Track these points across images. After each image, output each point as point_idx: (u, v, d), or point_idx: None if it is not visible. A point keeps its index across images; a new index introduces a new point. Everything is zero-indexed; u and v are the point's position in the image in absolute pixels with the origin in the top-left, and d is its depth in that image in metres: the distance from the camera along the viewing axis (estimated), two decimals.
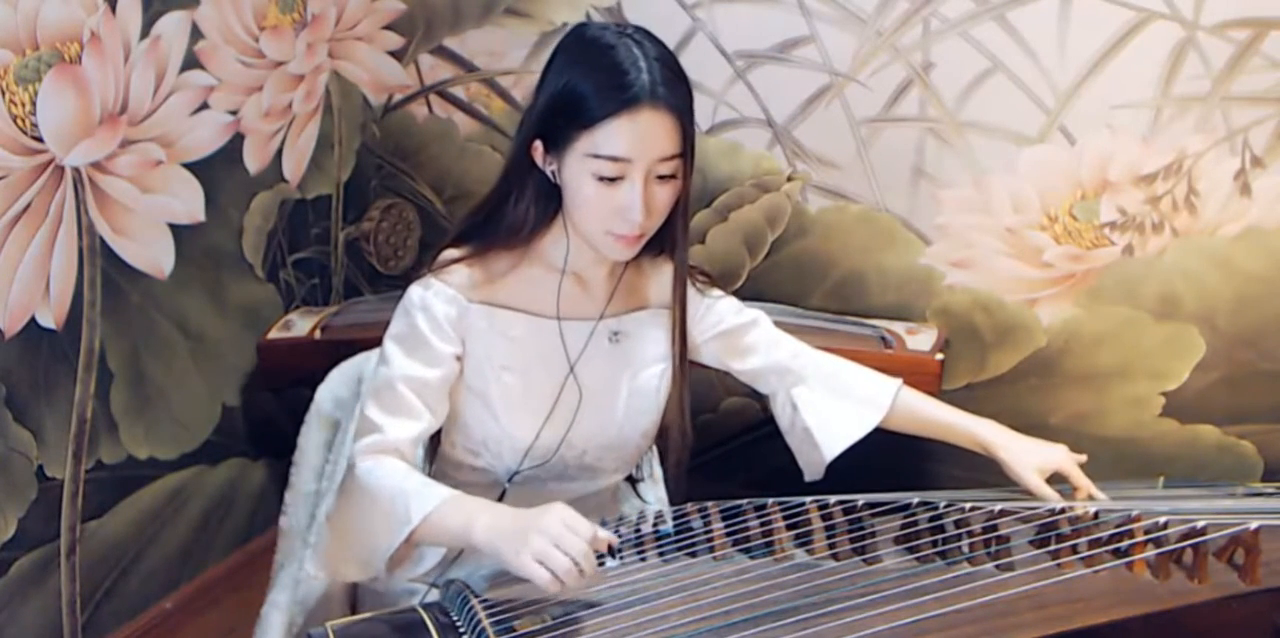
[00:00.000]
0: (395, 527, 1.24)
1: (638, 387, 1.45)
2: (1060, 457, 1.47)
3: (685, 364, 1.47)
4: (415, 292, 1.37)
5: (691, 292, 1.49)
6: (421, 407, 1.35)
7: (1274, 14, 2.06)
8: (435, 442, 1.47)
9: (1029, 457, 1.45)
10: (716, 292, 1.54)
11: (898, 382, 1.56)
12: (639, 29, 1.31)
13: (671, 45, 2.42)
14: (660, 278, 1.48)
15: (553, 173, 1.32)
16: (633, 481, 1.61)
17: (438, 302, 1.35)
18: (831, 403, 1.53)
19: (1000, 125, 2.26)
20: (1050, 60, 2.19)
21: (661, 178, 1.28)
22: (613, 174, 1.26)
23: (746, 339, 1.54)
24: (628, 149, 1.25)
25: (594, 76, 1.26)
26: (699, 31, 2.39)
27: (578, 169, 1.28)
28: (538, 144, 1.32)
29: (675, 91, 1.27)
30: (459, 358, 1.38)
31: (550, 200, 1.35)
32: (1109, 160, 2.22)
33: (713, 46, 2.38)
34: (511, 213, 1.36)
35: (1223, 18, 2.08)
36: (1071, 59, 2.18)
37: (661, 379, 1.47)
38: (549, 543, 1.11)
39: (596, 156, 1.25)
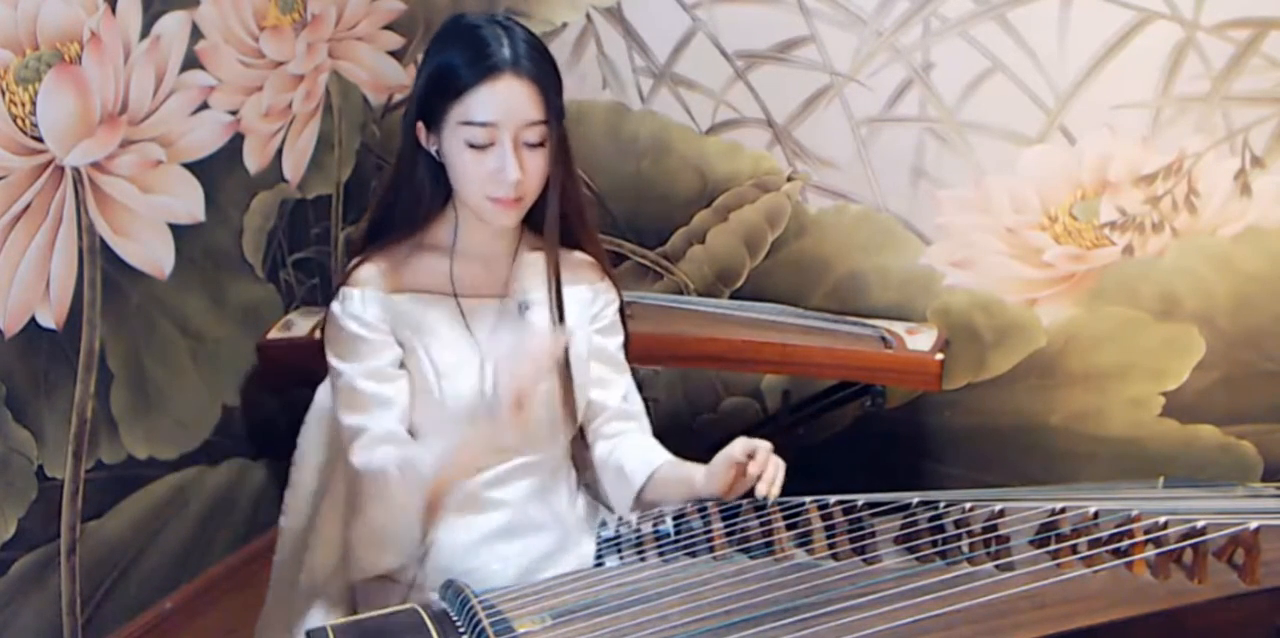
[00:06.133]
0: (416, 489, 1.36)
1: (550, 351, 1.47)
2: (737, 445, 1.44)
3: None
4: (335, 308, 1.45)
5: (609, 290, 1.57)
6: (389, 392, 1.43)
7: (1274, 14, 2.06)
8: None
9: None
10: (619, 322, 1.58)
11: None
12: (510, 18, 1.43)
13: (671, 45, 2.48)
14: (571, 264, 1.54)
15: (436, 152, 1.42)
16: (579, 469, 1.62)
17: (358, 306, 1.44)
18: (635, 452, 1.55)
19: (1000, 125, 2.26)
20: (1050, 60, 2.19)
21: (531, 146, 1.38)
22: (483, 141, 1.36)
23: (614, 375, 1.57)
24: (493, 114, 1.35)
25: (461, 53, 1.37)
26: (699, 31, 2.39)
27: (453, 140, 1.38)
28: (420, 126, 1.42)
29: (537, 64, 1.38)
30: (400, 343, 1.46)
31: (439, 183, 1.44)
32: (1109, 160, 2.22)
33: (713, 46, 2.38)
34: (406, 197, 1.46)
35: (1223, 18, 2.08)
36: (1071, 59, 2.18)
37: (583, 346, 1.52)
38: None
39: (468, 124, 1.36)
